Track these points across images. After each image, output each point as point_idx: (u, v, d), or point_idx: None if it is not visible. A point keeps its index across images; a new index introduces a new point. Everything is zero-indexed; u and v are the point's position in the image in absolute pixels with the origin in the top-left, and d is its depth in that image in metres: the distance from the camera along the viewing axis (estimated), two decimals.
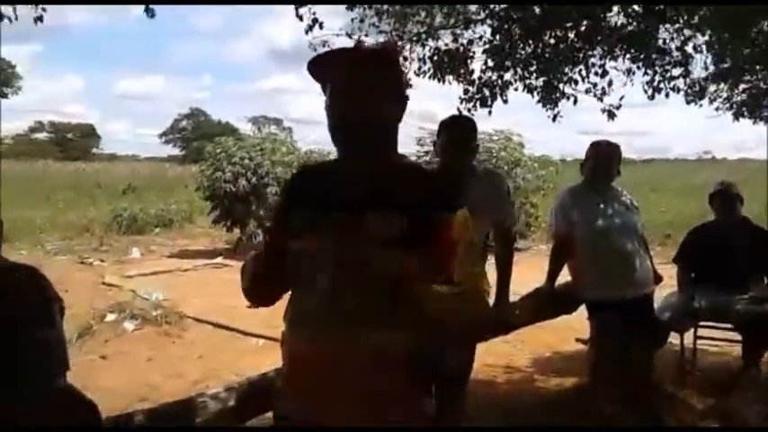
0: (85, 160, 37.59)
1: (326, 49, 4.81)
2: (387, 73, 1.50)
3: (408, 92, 1.54)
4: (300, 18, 4.23)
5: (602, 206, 3.59)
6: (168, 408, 2.75)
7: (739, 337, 4.36)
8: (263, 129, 29.77)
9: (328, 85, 1.48)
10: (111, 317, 6.11)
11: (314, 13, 4.31)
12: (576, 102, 4.76)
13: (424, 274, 1.41)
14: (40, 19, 4.13)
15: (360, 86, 1.44)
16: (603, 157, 3.63)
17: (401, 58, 1.42)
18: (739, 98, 5.02)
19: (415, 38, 4.72)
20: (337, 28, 5.18)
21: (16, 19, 3.87)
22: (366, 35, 4.90)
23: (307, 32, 4.43)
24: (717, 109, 5.06)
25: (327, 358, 1.43)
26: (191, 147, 44.79)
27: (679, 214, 13.46)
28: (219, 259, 10.17)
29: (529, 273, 6.33)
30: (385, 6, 4.68)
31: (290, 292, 1.57)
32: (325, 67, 1.50)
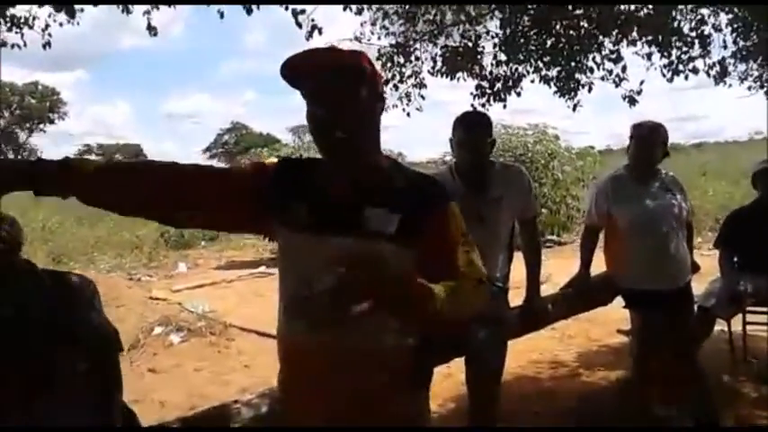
0: None
1: None
2: (359, 75, 1.45)
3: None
4: (300, 26, 4.21)
5: (642, 193, 3.43)
6: (202, 415, 2.78)
7: None
8: (304, 137, 30.09)
9: (304, 91, 1.46)
10: (158, 330, 6.25)
11: (312, 20, 4.31)
12: (590, 90, 4.66)
13: (426, 271, 1.39)
14: (48, 45, 4.29)
15: (332, 91, 1.41)
16: (645, 140, 3.42)
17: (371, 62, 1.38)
18: None
19: (425, 36, 4.70)
20: (350, 33, 5.16)
21: (25, 45, 4.01)
22: (378, 38, 4.92)
23: (307, 39, 4.43)
24: (749, 88, 4.89)
25: (317, 356, 1.43)
26: (233, 160, 45.53)
27: (730, 198, 13.05)
28: (262, 268, 10.29)
29: (572, 266, 6.25)
30: (393, 8, 4.68)
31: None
32: (297, 73, 1.45)
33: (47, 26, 4.21)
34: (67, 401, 2.13)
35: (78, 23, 3.99)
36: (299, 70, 1.43)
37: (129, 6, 3.51)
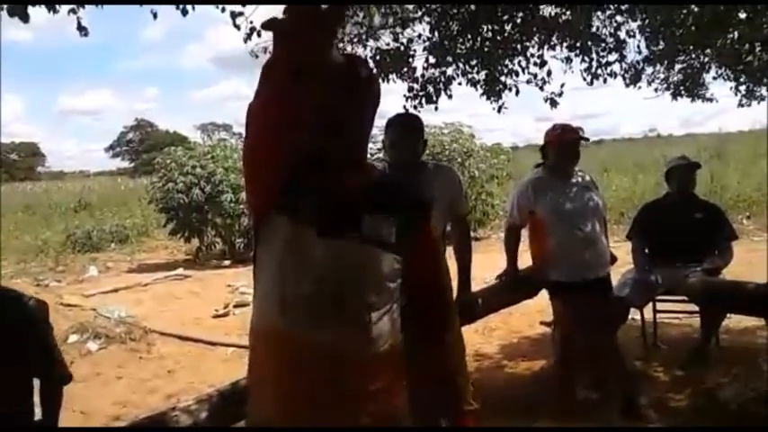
0: (32, 180, 36.62)
1: (269, 55, 4.83)
2: (359, 82, 1.44)
3: None
4: (238, 27, 4.14)
5: (564, 191, 3.65)
6: (140, 424, 2.72)
7: (697, 308, 4.52)
8: (213, 136, 29.46)
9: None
10: (73, 338, 5.97)
11: (251, 22, 4.25)
12: (518, 93, 4.87)
13: (414, 276, 1.49)
14: None
15: (336, 95, 1.39)
16: (566, 142, 3.64)
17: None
18: (676, 78, 5.18)
19: (355, 39, 4.73)
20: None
21: None
22: None
23: (245, 41, 4.38)
24: (656, 90, 5.23)
25: (316, 353, 1.42)
26: (140, 159, 44.00)
27: (631, 192, 13.79)
28: (180, 270, 10.03)
29: (488, 261, 6.43)
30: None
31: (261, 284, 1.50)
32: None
33: None
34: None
35: None
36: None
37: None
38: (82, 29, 3.51)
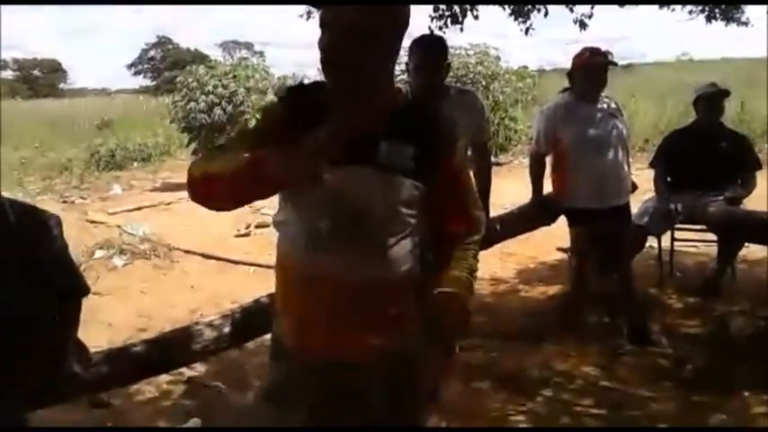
0: (54, 97, 36.67)
1: None
2: (385, 11, 1.40)
3: None
4: None
5: (591, 117, 3.60)
6: (166, 336, 2.83)
7: (715, 238, 4.52)
8: (234, 54, 29.04)
9: (325, 18, 1.40)
10: (99, 253, 6.15)
11: None
12: (546, 14, 4.70)
13: (438, 209, 1.49)
14: None
15: (355, 19, 1.35)
16: (594, 67, 3.57)
17: None
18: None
19: None
20: None
21: None
22: None
23: None
24: (690, 12, 5.02)
25: (329, 283, 1.43)
26: (162, 77, 43.71)
27: (658, 119, 13.52)
28: None
29: (510, 186, 6.44)
30: None
31: (282, 215, 1.53)
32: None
33: None
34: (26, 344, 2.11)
35: None
36: None
37: None
38: None
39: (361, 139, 1.40)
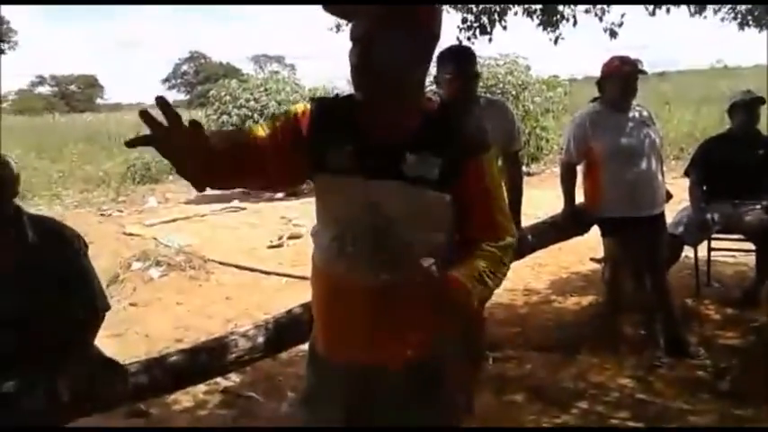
0: (92, 111, 37.47)
1: None
2: (413, 21, 1.42)
3: None
4: None
5: (622, 125, 3.58)
6: (201, 347, 2.87)
7: (753, 247, 4.44)
8: (266, 67, 29.41)
9: (356, 31, 1.44)
10: (136, 265, 6.26)
11: None
12: (575, 24, 4.70)
13: (463, 219, 1.48)
14: None
15: (385, 32, 1.39)
16: (623, 75, 3.56)
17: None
18: (743, 7, 4.90)
19: None
20: None
21: None
22: None
23: None
24: (722, 19, 4.97)
25: (355, 292, 1.47)
26: (195, 91, 44.46)
27: (693, 126, 13.32)
28: (235, 203, 10.26)
29: (542, 197, 6.40)
30: None
31: (317, 227, 1.58)
32: (353, 11, 1.45)
33: None
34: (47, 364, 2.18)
35: None
36: (356, 9, 1.43)
37: None
38: None
39: (389, 152, 1.43)
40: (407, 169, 1.42)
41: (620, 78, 3.56)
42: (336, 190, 1.49)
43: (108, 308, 2.42)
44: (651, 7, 4.60)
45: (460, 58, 3.04)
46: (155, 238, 7.57)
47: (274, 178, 1.55)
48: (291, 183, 1.96)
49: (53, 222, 2.41)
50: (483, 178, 1.48)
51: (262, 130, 1.50)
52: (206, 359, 2.75)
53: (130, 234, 8.08)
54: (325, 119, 1.50)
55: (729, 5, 5.20)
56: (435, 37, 1.48)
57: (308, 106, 1.54)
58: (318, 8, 1.50)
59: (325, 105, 1.55)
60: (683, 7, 4.94)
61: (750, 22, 4.97)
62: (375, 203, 1.43)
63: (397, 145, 1.43)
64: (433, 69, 2.97)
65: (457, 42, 4.43)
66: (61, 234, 2.33)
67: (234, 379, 3.63)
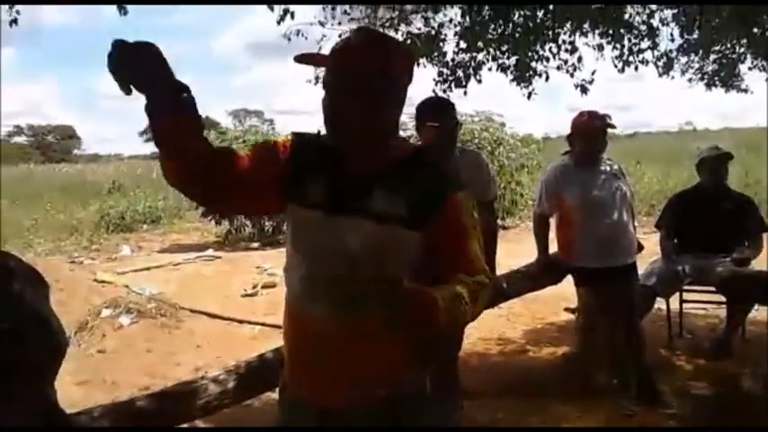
0: (69, 162, 37.26)
1: (301, 38, 4.86)
2: (387, 72, 1.44)
3: None
4: (272, 8, 4.22)
5: (591, 178, 3.64)
6: (169, 391, 2.82)
7: (724, 299, 4.49)
8: (244, 122, 29.66)
9: (329, 81, 1.46)
10: (106, 312, 6.13)
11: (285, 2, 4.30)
12: (547, 79, 4.85)
13: (434, 258, 1.44)
14: (15, 22, 4.08)
15: (353, 80, 1.40)
16: (592, 129, 3.62)
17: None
18: (710, 68, 5.10)
19: (387, 23, 4.76)
20: (312, 16, 5.20)
21: None
22: (339, 23, 4.94)
23: (279, 23, 4.45)
24: (689, 80, 5.16)
25: (319, 331, 1.46)
26: None
27: (663, 184, 13.61)
28: (210, 251, 10.19)
29: (516, 250, 6.45)
30: None
31: (287, 263, 1.57)
32: (325, 62, 1.48)
33: None
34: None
35: None
36: (327, 60, 1.45)
37: None
38: (121, 8, 3.61)
39: (358, 188, 1.44)
40: (375, 206, 1.42)
41: (589, 133, 3.63)
42: (304, 223, 1.50)
43: (66, 345, 2.34)
44: (621, 65, 4.77)
45: (439, 108, 3.10)
46: (126, 286, 7.45)
47: (248, 195, 1.53)
48: (265, 209, 1.97)
49: (7, 260, 2.35)
50: (459, 217, 1.46)
51: (243, 153, 1.53)
52: (173, 404, 2.70)
53: (102, 281, 7.94)
54: (303, 153, 1.52)
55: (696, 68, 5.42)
56: (406, 83, 1.50)
57: (290, 138, 1.56)
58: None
59: (304, 140, 1.56)
60: (654, 70, 5.14)
61: (716, 83, 5.15)
62: (341, 239, 1.43)
63: (367, 182, 1.44)
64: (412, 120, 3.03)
65: (433, 94, 4.54)
66: (19, 270, 2.26)
67: (201, 426, 3.52)
